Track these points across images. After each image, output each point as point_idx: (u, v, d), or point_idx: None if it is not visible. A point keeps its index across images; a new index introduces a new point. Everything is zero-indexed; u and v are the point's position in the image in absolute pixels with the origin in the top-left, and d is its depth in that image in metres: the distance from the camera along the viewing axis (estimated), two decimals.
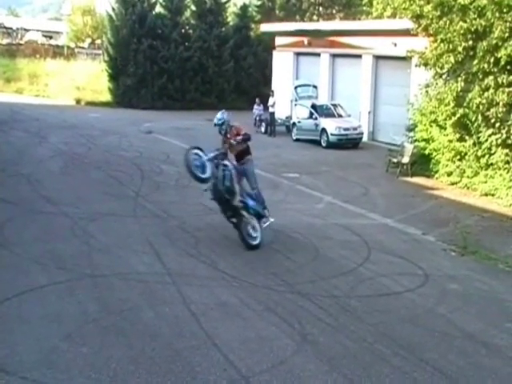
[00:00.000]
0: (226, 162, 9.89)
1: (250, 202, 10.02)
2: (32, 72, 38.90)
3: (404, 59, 17.96)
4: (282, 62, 28.96)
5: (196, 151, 9.78)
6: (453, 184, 15.84)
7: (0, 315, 7.05)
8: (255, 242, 9.92)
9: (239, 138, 10.18)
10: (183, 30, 34.93)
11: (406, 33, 17.29)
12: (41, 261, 8.84)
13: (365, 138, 22.97)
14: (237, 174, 9.97)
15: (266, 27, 30.86)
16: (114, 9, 34.51)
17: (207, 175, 9.69)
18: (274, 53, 29.75)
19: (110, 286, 8.08)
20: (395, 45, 19.89)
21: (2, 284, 7.94)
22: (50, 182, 14.21)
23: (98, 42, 50.27)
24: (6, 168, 15.57)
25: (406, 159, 17.14)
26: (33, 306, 7.35)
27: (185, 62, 33.57)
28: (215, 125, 10.23)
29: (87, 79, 36.74)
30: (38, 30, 54.52)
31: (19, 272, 8.39)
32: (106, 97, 34.58)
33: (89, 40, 52.45)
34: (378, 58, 23.55)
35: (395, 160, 17.39)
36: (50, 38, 54.25)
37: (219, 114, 10.28)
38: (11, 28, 51.69)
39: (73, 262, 8.87)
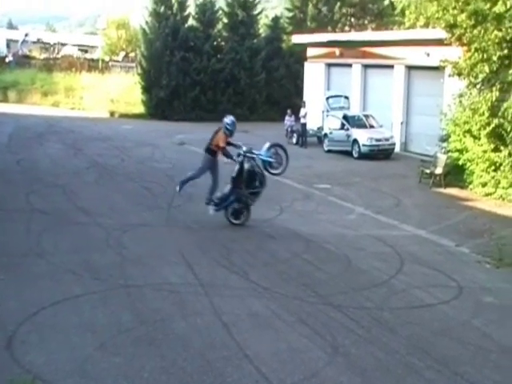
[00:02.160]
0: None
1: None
2: (68, 85, 39.73)
3: (437, 69, 17.83)
4: (313, 73, 28.98)
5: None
6: (487, 195, 15.60)
7: (36, 324, 7.18)
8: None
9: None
10: (215, 42, 35.29)
11: (439, 42, 17.16)
12: (76, 271, 8.99)
13: (397, 149, 22.80)
14: None
15: (297, 38, 30.96)
16: (147, 22, 35.10)
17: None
18: (306, 64, 29.79)
19: (142, 297, 8.16)
20: (428, 55, 19.74)
21: (38, 293, 8.09)
22: (84, 193, 14.46)
23: (132, 55, 51.08)
24: (42, 179, 15.90)
25: (439, 170, 16.95)
26: (68, 315, 7.46)
27: (217, 74, 33.87)
28: (230, 129, 12.41)
29: (121, 92, 37.34)
30: (74, 45, 55.71)
31: (55, 281, 8.55)
32: (140, 109, 35.07)
33: (123, 53, 53.32)
34: (410, 68, 23.40)
35: (428, 171, 17.23)
36: (86, 51, 55.35)
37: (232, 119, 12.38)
38: (49, 43, 52.93)
39: (107, 273, 9.00)
